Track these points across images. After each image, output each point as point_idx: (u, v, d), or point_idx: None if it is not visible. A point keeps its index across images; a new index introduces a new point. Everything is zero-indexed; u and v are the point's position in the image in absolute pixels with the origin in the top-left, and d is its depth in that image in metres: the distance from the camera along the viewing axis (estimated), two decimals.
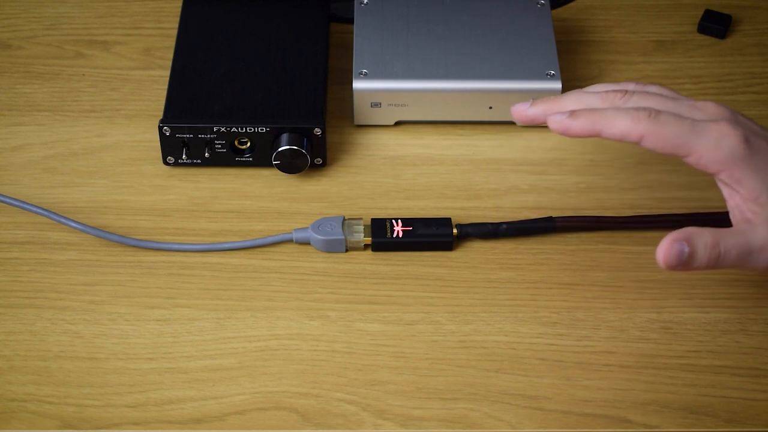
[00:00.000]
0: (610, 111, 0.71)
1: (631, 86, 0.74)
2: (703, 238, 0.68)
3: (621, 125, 0.70)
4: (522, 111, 0.75)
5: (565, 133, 0.71)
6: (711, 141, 0.69)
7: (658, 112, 0.70)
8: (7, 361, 0.73)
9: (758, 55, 0.92)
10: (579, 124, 0.71)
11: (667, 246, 0.68)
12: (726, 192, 0.71)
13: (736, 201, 0.70)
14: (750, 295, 0.76)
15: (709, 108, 0.71)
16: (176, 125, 0.81)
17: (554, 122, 0.72)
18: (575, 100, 0.73)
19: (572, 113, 0.71)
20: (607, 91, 0.73)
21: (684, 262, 0.68)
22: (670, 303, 0.76)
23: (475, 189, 0.83)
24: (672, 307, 0.76)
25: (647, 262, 0.78)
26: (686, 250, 0.68)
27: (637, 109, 0.70)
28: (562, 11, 0.96)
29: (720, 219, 0.77)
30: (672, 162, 0.83)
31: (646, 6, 0.96)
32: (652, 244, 0.78)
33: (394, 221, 0.79)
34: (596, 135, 0.71)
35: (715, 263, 0.69)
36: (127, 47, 0.93)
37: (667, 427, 0.70)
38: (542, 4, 0.89)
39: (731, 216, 0.71)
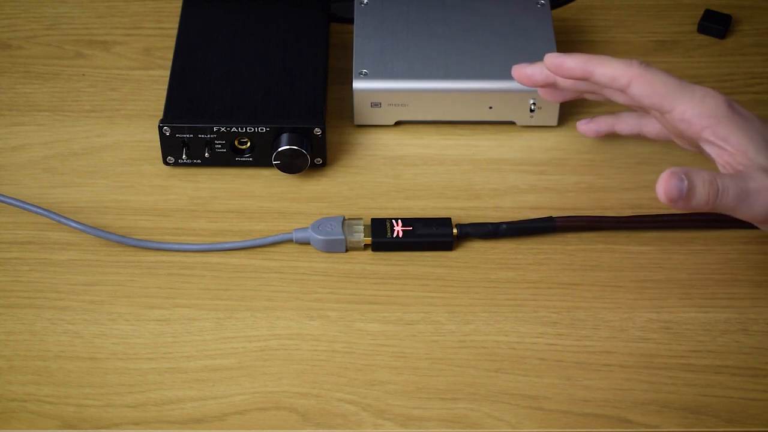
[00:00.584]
0: (604, 55, 0.74)
1: None
2: (700, 174, 0.69)
3: (612, 66, 0.73)
4: (521, 69, 0.78)
5: (558, 70, 0.75)
6: (696, 97, 0.72)
7: (649, 64, 0.73)
8: (7, 361, 0.73)
9: (758, 55, 0.92)
10: (572, 61, 0.74)
11: (666, 178, 0.69)
12: (714, 152, 0.72)
13: (725, 158, 0.72)
14: (750, 295, 0.76)
15: (695, 84, 0.74)
16: (176, 125, 0.81)
17: (549, 58, 0.75)
18: None
19: (567, 53, 0.75)
20: None
21: (684, 197, 0.69)
22: (670, 303, 0.76)
23: (475, 189, 0.83)
24: (672, 307, 0.76)
25: (647, 262, 0.78)
26: (685, 183, 0.69)
27: (631, 58, 0.73)
28: (562, 11, 0.96)
29: (720, 219, 0.77)
30: (672, 162, 0.83)
31: (646, 6, 0.96)
32: (652, 244, 0.79)
33: (394, 221, 0.79)
34: (587, 76, 0.74)
35: (715, 201, 0.69)
36: (127, 47, 0.93)
37: (667, 427, 0.70)
38: (542, 4, 0.89)
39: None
